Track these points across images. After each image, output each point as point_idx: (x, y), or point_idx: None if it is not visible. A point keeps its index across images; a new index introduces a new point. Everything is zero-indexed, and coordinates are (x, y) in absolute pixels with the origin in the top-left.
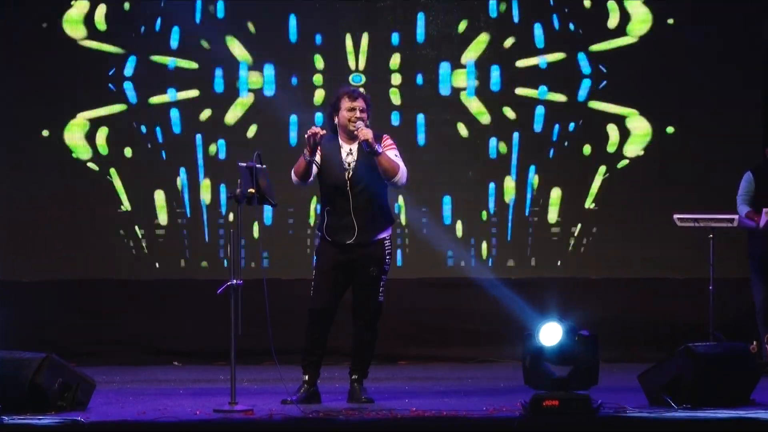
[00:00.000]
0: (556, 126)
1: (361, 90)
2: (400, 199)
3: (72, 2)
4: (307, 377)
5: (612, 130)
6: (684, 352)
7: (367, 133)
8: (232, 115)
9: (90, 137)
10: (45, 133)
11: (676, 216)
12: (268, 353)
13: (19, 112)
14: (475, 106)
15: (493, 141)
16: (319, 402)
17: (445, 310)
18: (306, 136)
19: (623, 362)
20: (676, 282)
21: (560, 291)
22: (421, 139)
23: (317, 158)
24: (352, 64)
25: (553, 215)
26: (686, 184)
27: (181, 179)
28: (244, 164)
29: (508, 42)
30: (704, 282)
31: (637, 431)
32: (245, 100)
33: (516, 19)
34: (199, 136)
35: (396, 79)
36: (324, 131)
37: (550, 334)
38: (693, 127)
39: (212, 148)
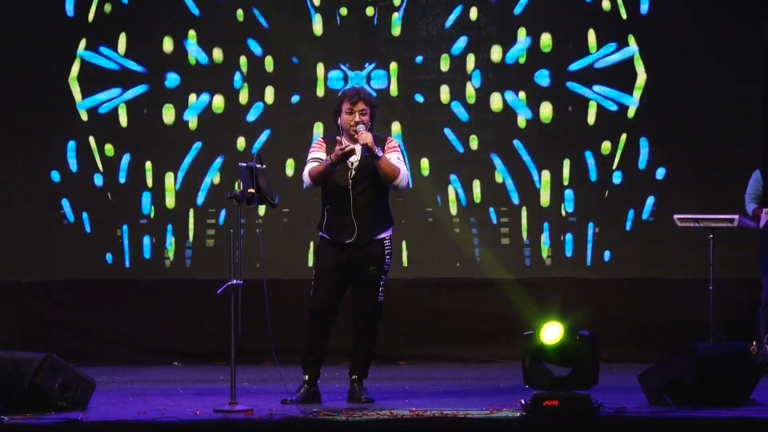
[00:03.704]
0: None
1: (366, 89)
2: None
3: None
4: (307, 377)
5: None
6: (684, 352)
7: (366, 138)
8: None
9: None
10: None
11: (676, 216)
12: (268, 353)
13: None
14: (479, 105)
15: (496, 141)
16: (319, 402)
17: (445, 310)
18: (342, 149)
19: (623, 362)
20: (676, 282)
21: (560, 291)
22: (422, 139)
23: (324, 157)
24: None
25: (553, 215)
26: (686, 184)
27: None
28: (244, 164)
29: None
30: (704, 282)
31: (637, 431)
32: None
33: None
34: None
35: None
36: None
37: (551, 333)
38: (693, 127)
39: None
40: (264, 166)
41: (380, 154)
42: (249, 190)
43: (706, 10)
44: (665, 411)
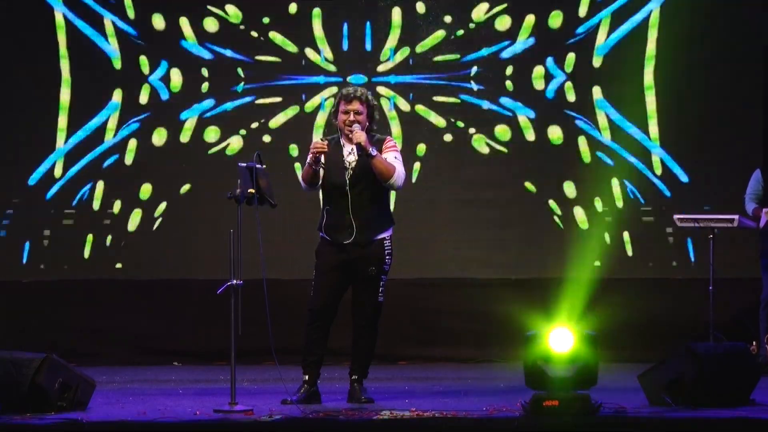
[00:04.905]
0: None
1: (363, 90)
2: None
3: None
4: (307, 377)
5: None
6: (684, 352)
7: (359, 137)
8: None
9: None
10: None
11: (676, 216)
12: (268, 353)
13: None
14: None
15: (497, 142)
16: (319, 402)
17: (445, 310)
18: (312, 151)
19: (623, 362)
20: (676, 282)
21: (560, 291)
22: (420, 140)
23: (321, 159)
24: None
25: (553, 216)
26: (687, 184)
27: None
28: (244, 164)
29: None
30: (704, 282)
31: (637, 431)
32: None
33: None
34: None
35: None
36: (326, 148)
37: (562, 340)
38: (692, 127)
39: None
40: (264, 166)
41: (374, 153)
42: (249, 191)
43: (706, 9)
44: (665, 411)
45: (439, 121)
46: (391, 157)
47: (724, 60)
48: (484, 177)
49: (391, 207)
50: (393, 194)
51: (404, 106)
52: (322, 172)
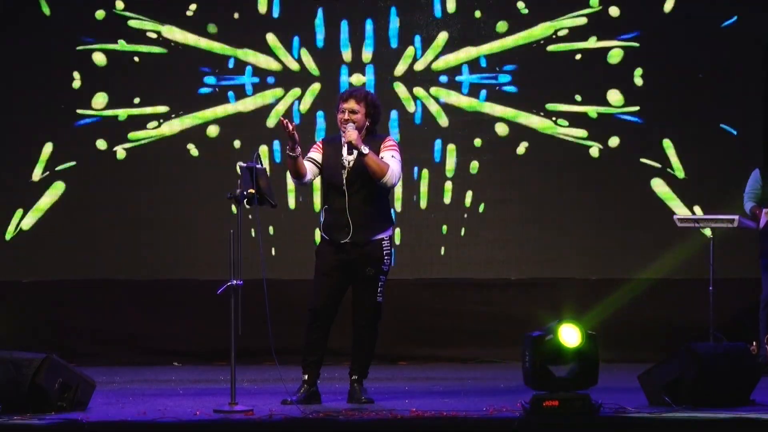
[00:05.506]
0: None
1: (363, 89)
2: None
3: None
4: (307, 377)
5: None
6: (684, 352)
7: (350, 136)
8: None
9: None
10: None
11: (676, 216)
12: (268, 353)
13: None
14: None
15: (495, 141)
16: (319, 402)
17: (445, 310)
18: (285, 127)
19: (623, 362)
20: (676, 282)
21: (560, 291)
22: (419, 138)
23: (318, 158)
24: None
25: (552, 216)
26: (686, 184)
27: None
28: (244, 164)
29: None
30: (704, 282)
31: (637, 431)
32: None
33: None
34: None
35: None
36: (293, 122)
37: (569, 336)
38: (693, 127)
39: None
40: (264, 166)
41: (365, 151)
42: (249, 191)
43: (706, 9)
44: (665, 411)
45: (443, 121)
46: (388, 156)
47: (724, 60)
48: (484, 177)
49: (397, 208)
50: (397, 194)
51: (411, 107)
52: (312, 167)
